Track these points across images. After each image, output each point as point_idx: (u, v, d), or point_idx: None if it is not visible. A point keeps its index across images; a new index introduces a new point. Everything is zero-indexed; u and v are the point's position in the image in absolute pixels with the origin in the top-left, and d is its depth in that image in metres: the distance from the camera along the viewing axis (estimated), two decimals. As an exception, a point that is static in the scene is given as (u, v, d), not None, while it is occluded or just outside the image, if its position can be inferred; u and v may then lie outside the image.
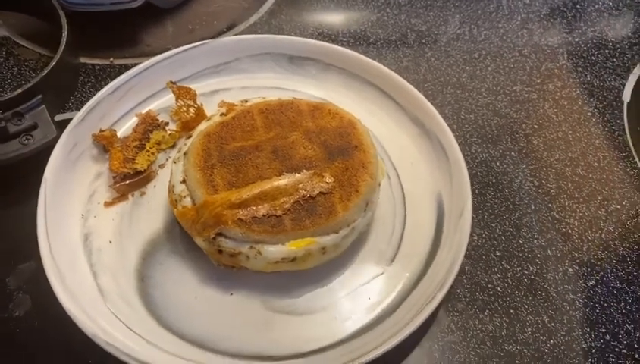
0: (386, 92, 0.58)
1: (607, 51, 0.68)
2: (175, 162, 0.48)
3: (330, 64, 0.60)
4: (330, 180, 0.46)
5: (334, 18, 0.70)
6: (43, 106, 0.53)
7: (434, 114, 0.54)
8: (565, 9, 0.72)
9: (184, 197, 0.46)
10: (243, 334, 0.45)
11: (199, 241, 0.45)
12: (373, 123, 0.54)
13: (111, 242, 0.49)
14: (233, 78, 0.60)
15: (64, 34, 0.57)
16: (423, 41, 0.67)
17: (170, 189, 0.47)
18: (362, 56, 0.59)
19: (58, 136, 0.51)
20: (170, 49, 0.58)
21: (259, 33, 0.66)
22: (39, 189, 0.47)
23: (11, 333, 0.45)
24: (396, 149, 0.56)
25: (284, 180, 0.45)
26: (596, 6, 0.73)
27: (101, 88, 0.55)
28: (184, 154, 0.48)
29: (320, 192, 0.45)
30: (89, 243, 0.48)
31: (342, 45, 0.60)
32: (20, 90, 0.52)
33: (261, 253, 0.44)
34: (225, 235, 0.44)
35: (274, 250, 0.44)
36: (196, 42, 0.59)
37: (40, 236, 0.45)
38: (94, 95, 0.54)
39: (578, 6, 0.73)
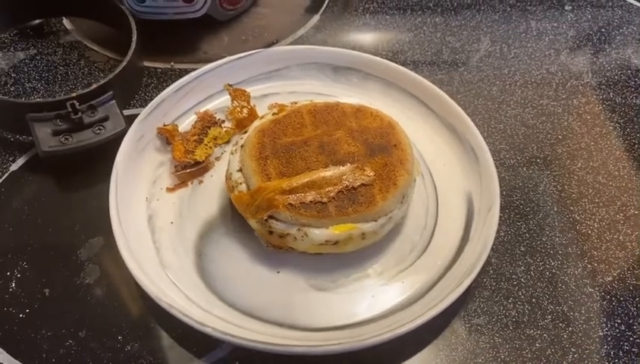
0: (421, 100, 0.63)
1: (629, 71, 0.72)
2: (232, 153, 0.54)
3: (370, 74, 0.65)
4: (370, 174, 0.50)
5: (374, 34, 0.75)
6: (114, 101, 0.59)
7: (466, 119, 0.59)
8: (590, 32, 0.77)
9: (240, 184, 0.51)
10: (287, 306, 0.49)
11: (252, 223, 0.50)
12: (409, 127, 0.57)
13: (172, 222, 0.54)
14: (282, 83, 0.66)
15: (134, 38, 0.63)
16: (457, 57, 0.73)
17: (228, 176, 0.53)
18: (399, 67, 0.64)
19: (127, 128, 0.56)
20: (224, 57, 0.64)
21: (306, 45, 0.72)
22: (108, 174, 0.53)
23: (83, 298, 0.50)
24: (430, 151, 0.60)
25: (329, 172, 0.50)
26: (620, 30, 0.77)
27: (163, 89, 0.60)
28: (241, 146, 0.53)
29: (361, 183, 0.49)
30: (152, 222, 0.54)
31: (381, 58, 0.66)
32: (95, 85, 0.58)
33: (308, 235, 0.49)
34: (276, 218, 0.49)
35: (319, 233, 0.48)
36: (248, 51, 0.65)
37: (112, 213, 0.50)
38: (156, 94, 0.60)
39: (603, 30, 0.78)
